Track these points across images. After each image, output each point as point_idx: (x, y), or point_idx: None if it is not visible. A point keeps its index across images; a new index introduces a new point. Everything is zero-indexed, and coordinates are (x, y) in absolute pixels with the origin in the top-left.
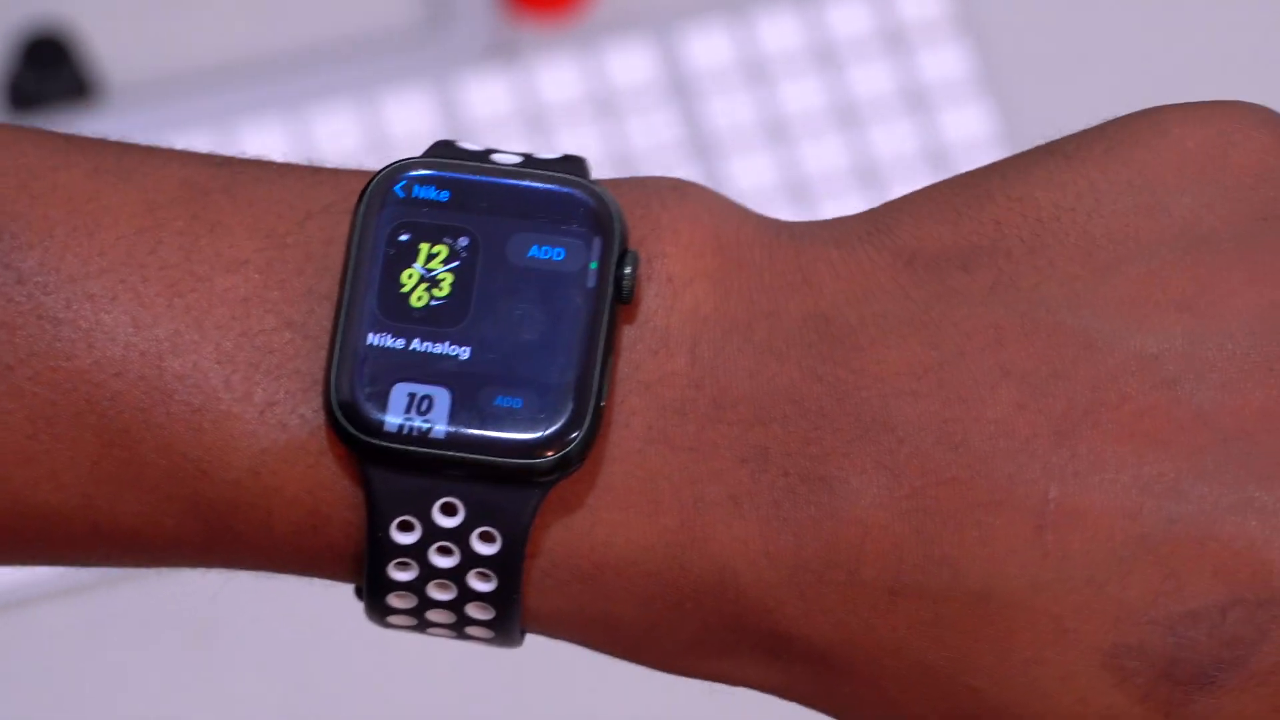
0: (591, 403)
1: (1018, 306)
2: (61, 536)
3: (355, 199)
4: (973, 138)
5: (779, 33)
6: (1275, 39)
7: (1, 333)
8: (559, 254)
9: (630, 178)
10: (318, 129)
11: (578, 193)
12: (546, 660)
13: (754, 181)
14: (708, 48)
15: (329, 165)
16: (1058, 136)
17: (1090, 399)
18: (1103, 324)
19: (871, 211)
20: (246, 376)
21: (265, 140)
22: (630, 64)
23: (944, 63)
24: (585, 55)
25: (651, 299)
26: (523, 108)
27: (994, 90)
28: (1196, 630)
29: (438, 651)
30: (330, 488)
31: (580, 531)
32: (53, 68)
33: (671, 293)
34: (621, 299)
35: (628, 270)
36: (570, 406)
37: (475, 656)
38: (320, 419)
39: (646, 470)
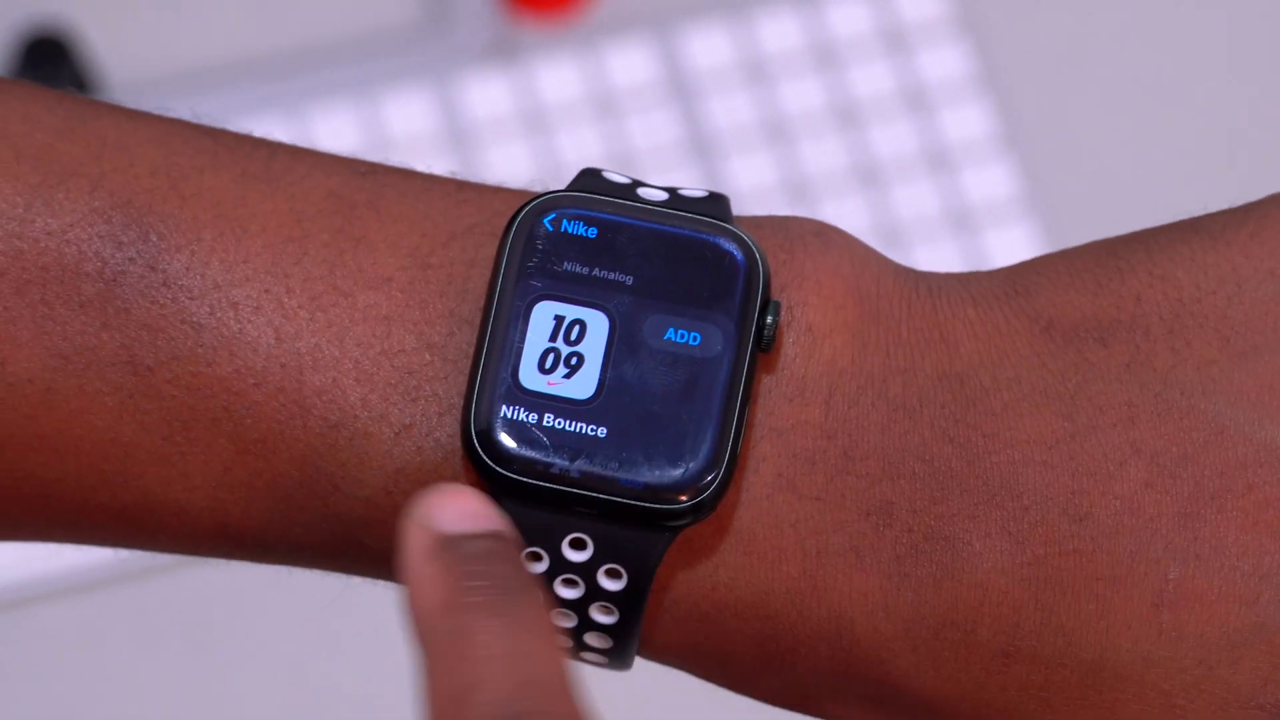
0: (727, 452)
1: (1152, 386)
2: (188, 534)
3: (498, 220)
4: (973, 138)
5: (779, 33)
6: (1274, 38)
7: (144, 334)
8: (695, 338)
9: (771, 217)
10: (318, 129)
11: (725, 241)
12: None
13: (754, 181)
14: (708, 48)
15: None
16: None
17: (1217, 485)
18: (1235, 412)
19: (1010, 270)
20: (384, 396)
21: None
22: (630, 64)
23: (944, 63)
24: (585, 55)
25: (790, 346)
26: (523, 108)
27: (994, 90)
28: None
29: None
30: None
31: (704, 572)
32: (53, 68)
33: (810, 342)
34: (762, 348)
35: (770, 320)
36: (707, 453)
37: None
38: (455, 444)
39: (773, 517)
